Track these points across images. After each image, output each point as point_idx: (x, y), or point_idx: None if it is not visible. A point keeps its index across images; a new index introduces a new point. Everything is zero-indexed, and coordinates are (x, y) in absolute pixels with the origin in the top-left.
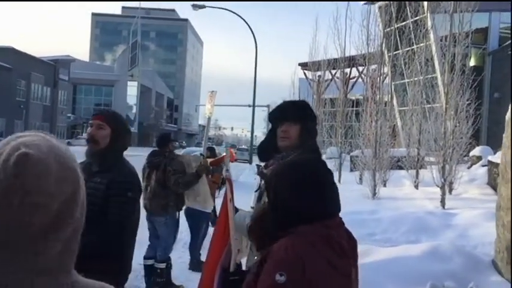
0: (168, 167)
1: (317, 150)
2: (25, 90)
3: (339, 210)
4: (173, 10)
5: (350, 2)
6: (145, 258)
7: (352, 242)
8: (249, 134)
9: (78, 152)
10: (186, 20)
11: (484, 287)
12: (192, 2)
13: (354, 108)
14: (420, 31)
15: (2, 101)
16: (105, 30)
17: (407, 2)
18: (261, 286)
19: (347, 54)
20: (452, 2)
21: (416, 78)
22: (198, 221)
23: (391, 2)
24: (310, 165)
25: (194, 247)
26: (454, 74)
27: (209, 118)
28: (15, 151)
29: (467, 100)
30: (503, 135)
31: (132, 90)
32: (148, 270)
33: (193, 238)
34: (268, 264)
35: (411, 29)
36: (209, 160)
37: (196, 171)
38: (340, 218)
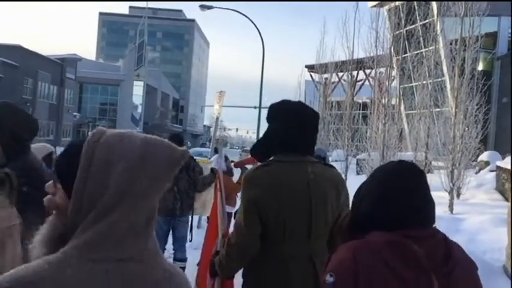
0: (196, 167)
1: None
2: (32, 88)
3: (430, 221)
4: (180, 11)
5: (359, 5)
6: None
7: (446, 258)
8: (253, 136)
9: None
10: (193, 20)
11: None
12: (199, 3)
13: (361, 111)
14: (429, 34)
15: (9, 99)
16: (112, 29)
17: (416, 5)
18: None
19: (355, 57)
20: (463, 3)
21: (424, 82)
22: None
23: (400, 5)
24: (396, 169)
25: None
26: (463, 78)
27: (217, 118)
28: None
29: (477, 105)
30: None
31: (138, 90)
32: None
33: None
34: (328, 264)
35: (420, 32)
36: (234, 162)
37: (212, 170)
38: (434, 230)
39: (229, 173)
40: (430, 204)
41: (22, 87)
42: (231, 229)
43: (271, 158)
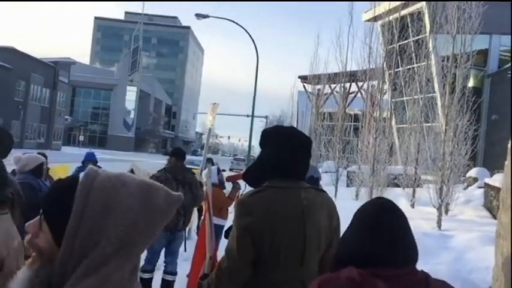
0: (197, 183)
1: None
2: (24, 91)
3: (407, 260)
4: (175, 17)
5: (353, 19)
6: (143, 271)
7: None
8: (245, 143)
9: (75, 154)
10: (188, 27)
11: None
12: (195, 11)
13: (352, 123)
14: (421, 50)
15: (0, 101)
16: (107, 34)
17: (409, 22)
18: None
19: (348, 70)
20: (455, 21)
21: (416, 97)
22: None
23: (394, 21)
24: (375, 207)
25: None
26: (454, 95)
27: (210, 130)
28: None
29: (467, 122)
30: (505, 162)
31: (131, 95)
32: (148, 284)
33: None
34: None
35: (412, 48)
36: (226, 176)
37: (201, 184)
38: (416, 272)
39: (221, 185)
40: (407, 244)
41: (14, 90)
42: (222, 240)
43: (264, 184)
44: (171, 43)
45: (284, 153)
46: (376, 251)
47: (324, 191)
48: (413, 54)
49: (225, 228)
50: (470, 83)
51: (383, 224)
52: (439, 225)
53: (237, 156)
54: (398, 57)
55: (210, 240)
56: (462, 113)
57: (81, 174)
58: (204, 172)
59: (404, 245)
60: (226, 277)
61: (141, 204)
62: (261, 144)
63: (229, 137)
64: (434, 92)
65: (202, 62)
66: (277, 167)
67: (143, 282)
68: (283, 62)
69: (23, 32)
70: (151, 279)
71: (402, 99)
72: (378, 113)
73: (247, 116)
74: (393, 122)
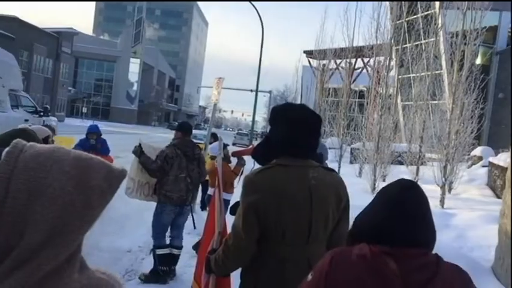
0: (203, 159)
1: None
2: (27, 61)
3: (422, 242)
4: None
5: None
6: (158, 247)
7: (427, 283)
8: (248, 118)
9: (78, 126)
10: None
11: None
12: None
13: (357, 100)
14: (430, 26)
15: None
16: (110, 4)
17: None
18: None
19: (354, 45)
20: (466, 1)
21: (423, 74)
22: None
23: None
24: (398, 186)
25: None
26: (462, 73)
27: (215, 105)
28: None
29: (474, 100)
30: None
31: (134, 67)
32: (167, 259)
33: None
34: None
35: (421, 24)
36: (233, 151)
37: (212, 159)
38: (428, 254)
39: (226, 160)
40: (427, 225)
41: (17, 60)
42: (228, 216)
43: (272, 162)
44: (175, 15)
45: (293, 131)
46: (396, 228)
47: (334, 170)
48: (422, 31)
49: (231, 204)
50: (478, 61)
51: (404, 201)
52: (442, 204)
53: (240, 131)
54: (406, 34)
55: (219, 215)
56: (469, 91)
57: (3, 153)
58: (213, 145)
59: (423, 225)
60: (232, 254)
61: (77, 183)
62: (271, 121)
63: (232, 111)
64: (441, 69)
65: (206, 35)
66: (286, 145)
67: (160, 258)
68: (288, 36)
69: (26, 1)
70: (167, 254)
71: (409, 76)
72: (383, 89)
73: (251, 91)
74: (399, 100)
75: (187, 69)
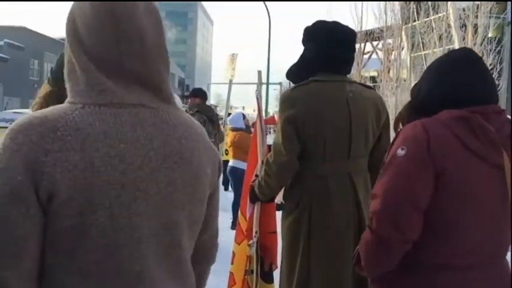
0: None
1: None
2: (38, 70)
3: (495, 98)
4: None
5: None
6: None
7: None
8: None
9: None
10: None
11: None
12: None
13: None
14: None
15: (16, 81)
16: None
17: None
18: (386, 160)
19: (364, 27)
20: None
21: (435, 50)
22: (242, 179)
23: None
24: (455, 54)
25: (238, 206)
26: (474, 46)
27: (231, 81)
28: None
29: (490, 65)
30: None
31: None
32: None
33: (238, 196)
34: (396, 140)
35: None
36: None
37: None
38: (500, 108)
39: (247, 130)
40: (492, 81)
41: (29, 69)
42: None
43: (309, 79)
44: (180, 15)
45: (330, 48)
46: (475, 87)
47: (372, 87)
48: (430, 4)
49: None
50: (490, 33)
51: (473, 61)
52: None
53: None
54: (415, 10)
55: (261, 145)
56: (484, 59)
57: None
58: (233, 117)
59: (490, 82)
60: (274, 171)
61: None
62: (304, 40)
63: (243, 108)
64: (453, 44)
65: (212, 34)
66: (322, 60)
67: None
68: (297, 28)
69: (35, 10)
70: None
71: (420, 53)
72: (395, 70)
73: (262, 83)
74: (412, 79)
75: (195, 68)
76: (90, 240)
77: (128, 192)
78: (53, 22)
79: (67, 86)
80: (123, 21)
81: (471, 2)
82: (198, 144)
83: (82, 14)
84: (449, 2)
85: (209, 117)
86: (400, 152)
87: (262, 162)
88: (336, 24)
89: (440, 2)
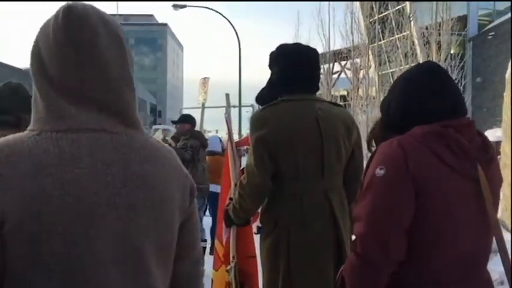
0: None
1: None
2: None
3: (464, 110)
4: (151, 15)
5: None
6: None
7: (484, 146)
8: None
9: None
10: (166, 24)
11: None
12: (172, 2)
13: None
14: (403, 18)
15: None
16: None
17: None
18: (364, 181)
19: (331, 47)
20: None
21: (401, 67)
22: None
23: None
24: (422, 68)
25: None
26: (439, 62)
27: (203, 104)
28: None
29: (455, 79)
30: (504, 94)
31: None
32: None
33: (216, 222)
34: (373, 159)
35: (393, 20)
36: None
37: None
38: (470, 120)
39: (223, 153)
40: (460, 94)
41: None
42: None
43: (277, 100)
44: (149, 42)
45: (294, 69)
46: (438, 105)
47: (341, 105)
48: (393, 24)
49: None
50: (452, 50)
51: (441, 75)
52: None
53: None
54: (380, 30)
55: (234, 167)
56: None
57: None
58: (211, 141)
59: (458, 96)
60: (248, 193)
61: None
62: (270, 65)
63: (217, 131)
64: (417, 61)
65: (182, 59)
66: (289, 82)
67: None
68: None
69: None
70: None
71: (387, 71)
72: (364, 89)
73: (234, 106)
74: (381, 96)
75: (167, 94)
76: (46, 269)
77: (83, 218)
78: (19, 52)
79: (32, 114)
80: (83, 47)
81: (433, 20)
82: (164, 168)
83: (45, 42)
84: (412, 22)
85: (202, 143)
86: (379, 171)
87: (236, 184)
88: (297, 46)
89: (403, 21)
